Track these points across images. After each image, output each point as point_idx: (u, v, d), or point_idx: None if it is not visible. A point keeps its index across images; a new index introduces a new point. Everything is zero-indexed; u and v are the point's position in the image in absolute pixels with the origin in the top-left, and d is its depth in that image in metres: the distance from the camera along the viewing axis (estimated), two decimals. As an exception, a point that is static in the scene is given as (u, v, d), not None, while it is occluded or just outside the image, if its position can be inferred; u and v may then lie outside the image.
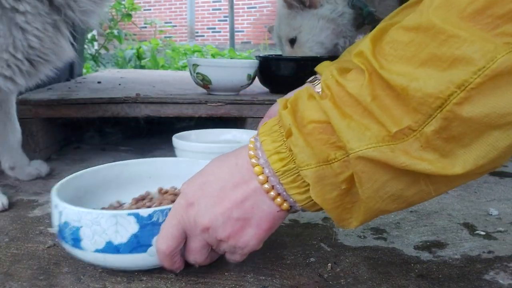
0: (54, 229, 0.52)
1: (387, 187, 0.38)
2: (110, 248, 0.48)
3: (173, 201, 0.60)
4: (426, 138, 0.35)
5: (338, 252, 0.58)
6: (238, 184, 0.45)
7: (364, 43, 0.39)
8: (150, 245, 0.48)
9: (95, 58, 3.63)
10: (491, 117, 0.33)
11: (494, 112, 0.33)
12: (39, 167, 0.91)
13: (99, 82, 1.42)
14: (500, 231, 0.66)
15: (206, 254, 0.49)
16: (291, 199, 0.44)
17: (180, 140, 0.78)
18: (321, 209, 0.43)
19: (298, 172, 0.42)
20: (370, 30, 1.41)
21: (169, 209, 0.48)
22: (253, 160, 0.44)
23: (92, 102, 1.00)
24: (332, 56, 1.28)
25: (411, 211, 0.73)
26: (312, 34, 1.21)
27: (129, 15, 3.86)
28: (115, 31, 3.83)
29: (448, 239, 0.63)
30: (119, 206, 0.62)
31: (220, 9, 7.50)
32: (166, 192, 0.64)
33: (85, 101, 1.00)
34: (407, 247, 0.60)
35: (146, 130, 1.32)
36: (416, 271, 0.54)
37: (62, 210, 0.50)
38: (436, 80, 0.33)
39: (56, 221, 0.51)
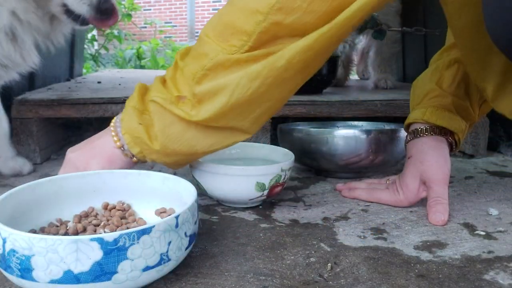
0: None
1: (168, 129, 0.61)
2: (69, 278, 0.42)
3: (122, 218, 0.59)
4: (190, 100, 0.59)
5: (338, 252, 0.58)
6: (101, 134, 0.66)
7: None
8: (115, 272, 0.43)
9: (95, 58, 3.63)
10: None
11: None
12: (23, 165, 0.91)
13: (99, 82, 1.42)
14: (500, 231, 0.66)
15: None
16: (122, 139, 0.63)
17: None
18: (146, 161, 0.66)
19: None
20: (372, 34, 1.43)
21: (137, 231, 0.44)
22: (113, 121, 0.66)
23: (92, 102, 1.00)
24: (331, 57, 1.28)
25: (411, 211, 0.73)
26: None
27: (129, 15, 3.86)
28: (115, 31, 3.83)
29: (448, 239, 0.63)
30: (61, 224, 0.57)
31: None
32: (113, 207, 0.60)
33: (85, 101, 1.00)
34: (407, 247, 0.60)
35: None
36: (416, 271, 0.54)
37: (7, 237, 0.43)
38: (192, 66, 0.59)
39: None
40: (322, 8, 0.52)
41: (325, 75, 1.18)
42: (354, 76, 1.75)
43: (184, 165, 0.68)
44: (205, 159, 0.74)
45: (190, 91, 0.59)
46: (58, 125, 1.11)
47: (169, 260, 0.47)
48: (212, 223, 0.68)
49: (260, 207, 0.75)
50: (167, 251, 0.47)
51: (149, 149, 0.63)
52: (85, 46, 3.13)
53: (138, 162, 0.66)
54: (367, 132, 0.88)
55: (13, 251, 0.43)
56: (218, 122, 0.60)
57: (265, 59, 0.56)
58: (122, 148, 0.64)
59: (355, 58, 1.63)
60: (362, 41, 1.64)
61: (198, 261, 0.55)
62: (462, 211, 0.74)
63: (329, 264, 0.55)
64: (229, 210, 0.74)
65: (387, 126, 0.99)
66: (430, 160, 0.71)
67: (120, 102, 0.99)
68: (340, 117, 1.07)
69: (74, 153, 0.66)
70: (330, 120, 1.07)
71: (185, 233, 0.49)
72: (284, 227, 0.67)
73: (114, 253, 0.43)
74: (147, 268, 0.45)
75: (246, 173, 0.69)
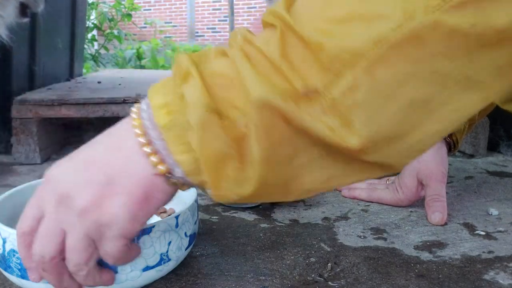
0: None
1: (283, 146, 0.33)
2: None
3: None
4: (332, 100, 0.31)
5: (338, 252, 0.58)
6: (112, 146, 0.37)
7: (278, 3, 0.34)
8: (115, 273, 0.43)
9: (95, 58, 3.63)
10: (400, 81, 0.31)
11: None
12: None
13: (99, 82, 1.42)
14: (500, 231, 0.66)
15: (57, 244, 0.37)
16: (171, 159, 0.35)
17: None
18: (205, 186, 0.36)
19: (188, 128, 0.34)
20: None
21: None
22: (134, 116, 0.36)
23: (92, 102, 1.00)
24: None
25: (411, 211, 0.73)
26: None
27: (129, 15, 3.86)
28: (115, 31, 3.83)
29: (448, 239, 0.63)
30: None
31: (220, 9, 7.51)
32: None
33: (85, 101, 0.99)
34: (407, 247, 0.60)
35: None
36: (416, 271, 0.54)
37: (7, 237, 0.43)
38: (353, 37, 0.30)
39: None
40: None
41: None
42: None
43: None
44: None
45: (329, 83, 0.31)
46: (58, 125, 1.11)
47: (169, 260, 0.48)
48: (212, 223, 0.68)
49: (260, 207, 0.75)
50: (167, 251, 0.47)
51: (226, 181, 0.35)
52: (85, 46, 3.13)
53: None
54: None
55: (13, 251, 0.43)
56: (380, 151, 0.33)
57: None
58: (169, 175, 0.36)
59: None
60: None
61: (198, 261, 0.55)
62: (462, 211, 0.74)
63: (329, 264, 0.55)
64: (229, 210, 0.74)
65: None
66: (427, 159, 0.72)
67: (120, 102, 0.99)
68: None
69: (66, 175, 0.37)
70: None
71: (185, 233, 0.49)
72: (284, 227, 0.67)
73: None
74: (147, 268, 0.45)
75: None
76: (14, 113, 0.98)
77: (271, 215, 0.72)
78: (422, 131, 0.33)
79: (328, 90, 0.31)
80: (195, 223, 0.52)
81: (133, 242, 0.42)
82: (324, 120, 0.32)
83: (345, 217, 0.71)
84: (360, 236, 0.63)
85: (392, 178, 0.79)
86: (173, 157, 0.35)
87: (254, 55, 0.33)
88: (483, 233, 0.65)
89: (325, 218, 0.70)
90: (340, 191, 0.83)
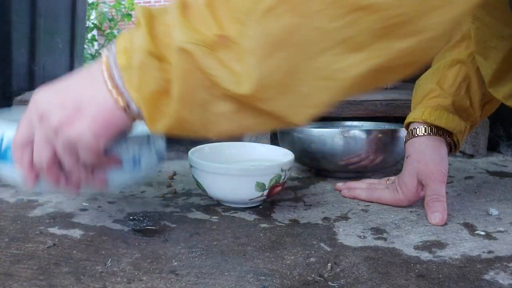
0: None
1: (196, 93, 0.40)
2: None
3: None
4: (240, 49, 0.37)
5: (338, 252, 0.58)
6: (84, 78, 0.46)
7: None
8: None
9: (95, 58, 3.63)
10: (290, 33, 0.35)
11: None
12: None
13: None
14: (500, 231, 0.66)
15: (49, 152, 0.48)
16: (127, 96, 0.43)
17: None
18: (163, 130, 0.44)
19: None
20: None
21: None
22: (104, 57, 0.44)
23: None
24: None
25: (411, 211, 0.73)
26: None
27: (129, 15, 3.86)
28: (115, 31, 3.83)
29: (448, 239, 0.63)
30: None
31: (220, 9, 7.49)
32: None
33: (85, 101, 0.99)
34: (407, 247, 0.60)
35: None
36: (416, 271, 0.54)
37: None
38: None
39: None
40: None
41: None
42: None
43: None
44: (205, 159, 0.74)
45: (239, 31, 0.36)
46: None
47: (140, 166, 0.57)
48: (212, 223, 0.68)
49: (260, 207, 0.75)
50: (139, 159, 0.56)
51: (158, 119, 0.43)
52: (85, 46, 3.13)
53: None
54: (367, 132, 0.88)
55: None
56: (269, 94, 0.39)
57: None
58: (126, 109, 0.44)
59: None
60: None
61: (198, 261, 0.55)
62: (462, 211, 0.74)
63: (329, 264, 0.55)
64: (229, 210, 0.74)
65: (387, 126, 0.99)
66: (427, 159, 0.72)
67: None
68: (340, 117, 1.07)
69: (46, 98, 0.47)
70: (330, 120, 1.07)
71: (155, 149, 0.60)
72: (284, 227, 0.67)
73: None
74: (123, 171, 0.55)
75: (246, 173, 0.69)
76: (14, 113, 0.98)
77: (271, 215, 0.72)
78: (309, 85, 0.38)
79: (235, 38, 0.37)
80: (160, 147, 0.62)
81: (110, 153, 0.51)
82: (232, 66, 0.37)
83: (345, 217, 0.71)
84: (360, 236, 0.63)
85: (392, 178, 0.79)
86: (129, 94, 0.43)
87: (190, 4, 0.39)
88: (483, 233, 0.65)
89: (325, 218, 0.70)
90: (340, 191, 0.83)
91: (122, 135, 0.50)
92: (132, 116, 0.45)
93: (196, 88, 0.40)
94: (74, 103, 0.44)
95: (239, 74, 0.37)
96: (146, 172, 0.58)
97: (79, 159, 0.48)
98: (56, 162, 0.49)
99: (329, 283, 0.51)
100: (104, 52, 0.45)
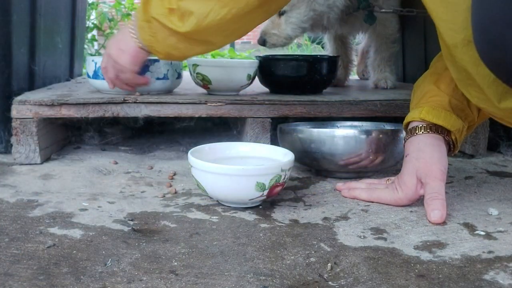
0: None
1: (165, 37, 0.80)
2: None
3: None
4: (180, 13, 0.76)
5: (338, 252, 0.58)
6: (122, 34, 0.89)
7: None
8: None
9: (95, 58, 3.62)
10: None
11: None
12: None
13: (99, 82, 1.42)
14: (500, 231, 0.66)
15: (114, 73, 0.92)
16: (140, 41, 0.84)
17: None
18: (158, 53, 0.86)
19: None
20: (363, 17, 1.45)
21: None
22: (131, 21, 0.86)
23: (92, 102, 1.00)
24: (331, 57, 1.28)
25: (411, 211, 0.73)
26: (298, 19, 1.20)
27: (129, 15, 3.85)
28: (115, 31, 3.83)
29: (448, 239, 0.63)
30: None
31: (220, 9, 7.48)
32: None
33: (85, 101, 0.99)
34: (407, 247, 0.60)
35: (146, 130, 1.32)
36: (416, 271, 0.54)
37: (97, 62, 1.02)
38: None
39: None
40: None
41: (325, 75, 1.18)
42: (354, 76, 1.74)
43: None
44: (205, 159, 0.74)
45: (177, 4, 0.75)
46: (58, 125, 1.11)
47: (167, 78, 1.07)
48: (212, 223, 0.68)
49: (260, 207, 0.75)
50: (167, 72, 1.06)
51: (156, 52, 0.85)
52: (85, 46, 3.13)
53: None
54: (367, 132, 0.88)
55: (99, 68, 1.01)
56: (199, 35, 0.78)
57: None
58: (143, 48, 0.85)
59: (355, 58, 1.62)
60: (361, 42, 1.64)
61: (198, 261, 0.55)
62: (462, 211, 0.74)
63: (329, 264, 0.55)
64: (229, 210, 0.74)
65: (387, 126, 0.99)
66: (425, 157, 0.72)
67: (120, 102, 0.99)
68: (340, 117, 1.07)
69: (109, 46, 0.91)
70: (330, 120, 1.07)
71: (177, 71, 1.10)
72: (284, 227, 0.67)
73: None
74: (158, 79, 1.05)
75: (246, 173, 0.69)
76: (14, 113, 0.98)
77: (271, 215, 0.72)
78: (210, 17, 0.75)
79: (177, 7, 0.75)
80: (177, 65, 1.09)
81: (142, 74, 0.99)
82: (176, 22, 0.76)
83: (345, 217, 0.71)
84: (360, 236, 0.63)
85: (392, 178, 0.79)
86: (140, 40, 0.84)
87: None
88: (483, 233, 0.65)
89: (325, 218, 0.70)
90: (340, 191, 0.83)
91: (146, 62, 0.96)
92: (147, 51, 0.86)
93: (164, 34, 0.79)
94: (119, 47, 0.88)
95: (181, 25, 0.76)
96: (172, 81, 1.08)
97: (128, 75, 0.93)
98: (119, 78, 0.93)
99: (329, 283, 0.51)
100: (131, 18, 0.87)
